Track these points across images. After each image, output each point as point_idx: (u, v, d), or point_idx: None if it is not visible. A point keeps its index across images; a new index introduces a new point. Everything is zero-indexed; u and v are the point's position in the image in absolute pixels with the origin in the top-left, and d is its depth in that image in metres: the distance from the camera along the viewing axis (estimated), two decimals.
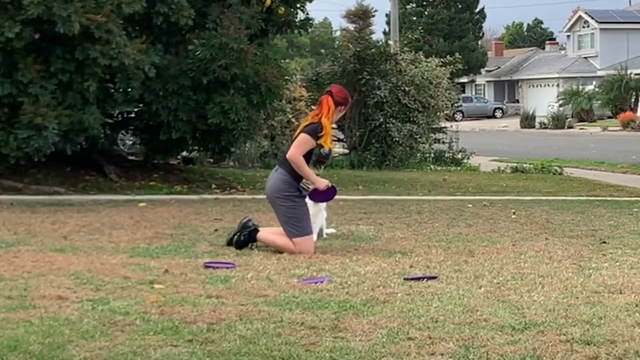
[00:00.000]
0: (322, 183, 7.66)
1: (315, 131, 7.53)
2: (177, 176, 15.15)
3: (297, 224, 7.54)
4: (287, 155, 7.53)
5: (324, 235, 8.46)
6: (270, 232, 7.81)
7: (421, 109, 21.79)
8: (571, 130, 47.41)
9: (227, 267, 6.70)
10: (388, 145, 21.24)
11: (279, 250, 7.54)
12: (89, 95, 12.31)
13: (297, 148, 7.50)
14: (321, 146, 7.59)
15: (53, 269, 6.53)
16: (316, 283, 6.10)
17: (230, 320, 5.01)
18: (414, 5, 69.45)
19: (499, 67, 74.83)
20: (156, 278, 6.26)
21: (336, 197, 8.01)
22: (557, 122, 49.29)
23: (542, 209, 11.76)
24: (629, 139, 36.77)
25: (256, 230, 7.74)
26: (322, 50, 53.46)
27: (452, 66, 23.05)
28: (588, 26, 66.37)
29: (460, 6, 68.73)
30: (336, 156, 22.90)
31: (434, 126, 23.27)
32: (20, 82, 11.97)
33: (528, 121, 52.08)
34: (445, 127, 24.38)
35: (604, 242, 8.43)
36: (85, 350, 4.41)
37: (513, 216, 10.71)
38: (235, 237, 7.75)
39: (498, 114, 66.95)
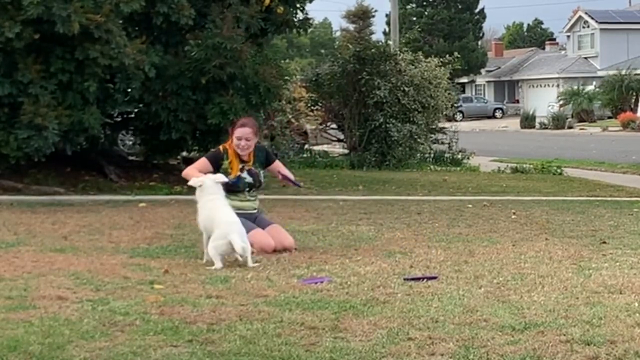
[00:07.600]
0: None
1: (215, 157, 7.72)
2: (177, 176, 15.03)
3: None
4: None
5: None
6: None
7: (421, 109, 21.76)
8: (571, 130, 47.37)
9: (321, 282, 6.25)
10: (388, 146, 21.21)
11: (278, 251, 7.54)
12: (89, 95, 12.31)
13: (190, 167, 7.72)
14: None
15: (53, 269, 6.54)
16: (316, 283, 6.09)
17: (230, 321, 5.01)
18: (414, 5, 69.47)
19: (499, 68, 74.84)
20: (156, 278, 6.26)
21: (337, 197, 7.99)
22: (557, 122, 49.26)
23: (542, 209, 11.75)
24: (629, 139, 36.75)
25: None
26: (322, 51, 53.53)
27: (451, 66, 23.02)
28: (588, 26, 66.37)
29: (460, 6, 68.78)
30: (336, 156, 22.89)
31: (433, 126, 23.24)
32: (20, 82, 11.97)
33: (528, 121, 52.04)
34: (445, 128, 24.35)
35: (604, 243, 8.41)
36: (85, 350, 4.41)
37: (513, 216, 10.70)
38: None
39: (498, 114, 66.95)
